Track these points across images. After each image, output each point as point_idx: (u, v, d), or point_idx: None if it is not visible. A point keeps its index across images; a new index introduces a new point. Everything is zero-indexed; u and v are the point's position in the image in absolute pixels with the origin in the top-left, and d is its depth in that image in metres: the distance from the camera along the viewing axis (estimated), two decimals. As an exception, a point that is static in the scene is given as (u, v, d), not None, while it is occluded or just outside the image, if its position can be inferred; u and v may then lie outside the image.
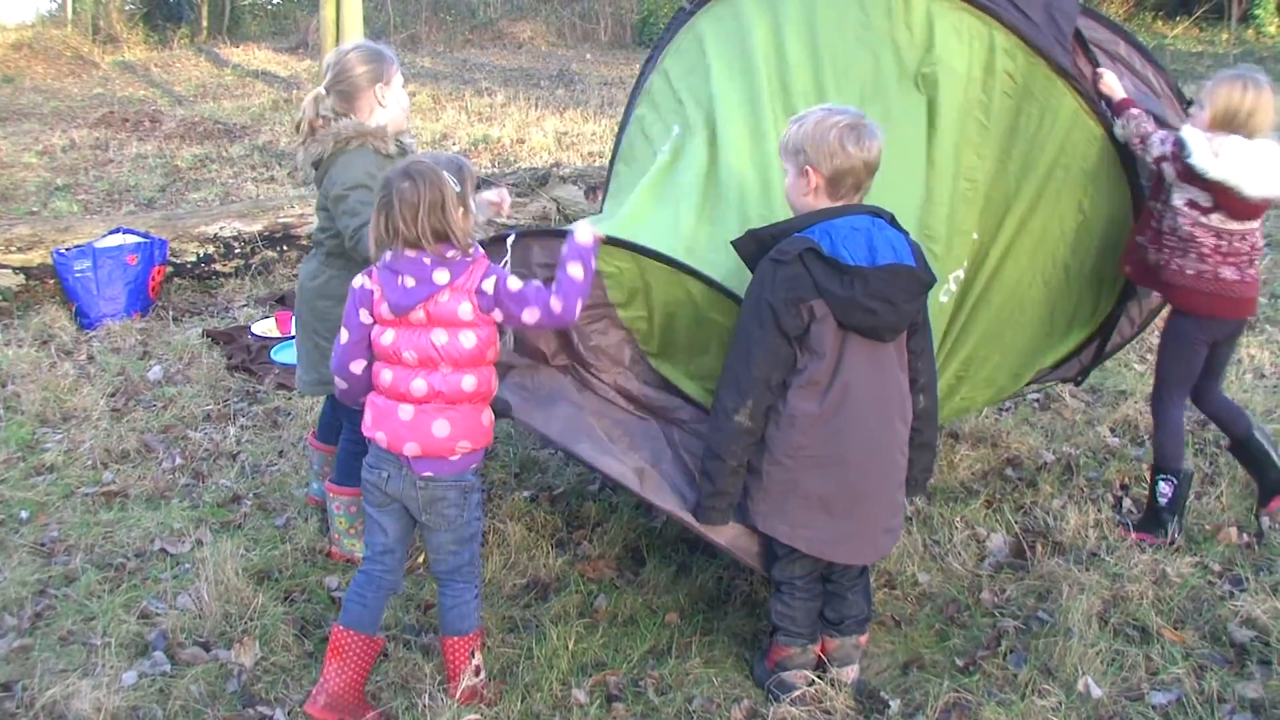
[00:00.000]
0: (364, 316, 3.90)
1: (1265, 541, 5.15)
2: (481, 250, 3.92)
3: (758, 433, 3.89)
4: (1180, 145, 4.92)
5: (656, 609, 4.79)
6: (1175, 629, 4.55)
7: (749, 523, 4.04)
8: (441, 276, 3.77)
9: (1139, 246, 5.23)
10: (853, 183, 3.86)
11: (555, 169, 11.30)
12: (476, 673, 4.14)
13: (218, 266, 9.78)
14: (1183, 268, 5.08)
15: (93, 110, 19.56)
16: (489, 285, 3.80)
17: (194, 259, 9.69)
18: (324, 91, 5.04)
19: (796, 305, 3.75)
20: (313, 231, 5.25)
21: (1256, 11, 27.56)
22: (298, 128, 5.06)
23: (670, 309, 4.38)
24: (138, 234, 9.13)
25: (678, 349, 4.47)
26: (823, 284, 3.72)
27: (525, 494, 5.72)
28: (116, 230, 9.16)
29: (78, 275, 8.57)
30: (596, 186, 10.75)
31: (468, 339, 3.83)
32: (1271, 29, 28.05)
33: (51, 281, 8.93)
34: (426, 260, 3.77)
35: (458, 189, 3.80)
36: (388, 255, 3.83)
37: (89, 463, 6.20)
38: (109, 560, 5.20)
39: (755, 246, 3.89)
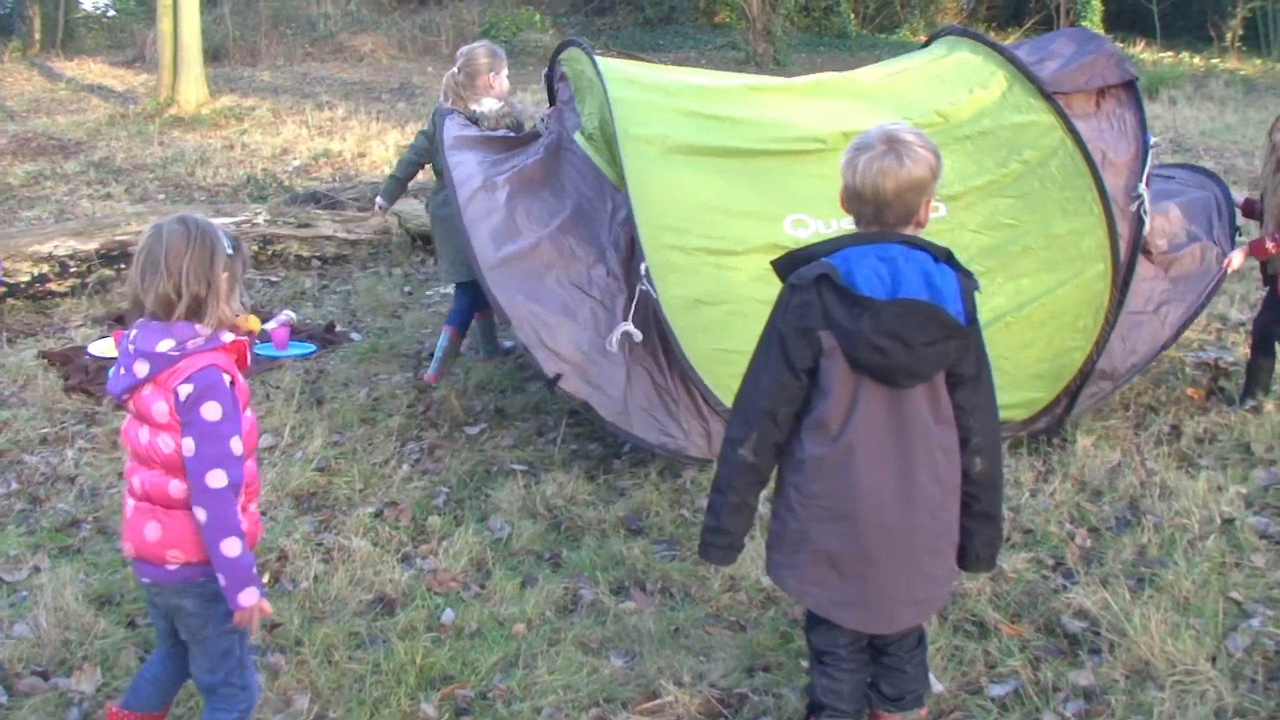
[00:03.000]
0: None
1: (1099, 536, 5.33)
2: (223, 342, 3.40)
3: (763, 470, 3.57)
4: None
5: (504, 620, 4.78)
6: (1012, 623, 4.67)
7: (771, 575, 3.74)
8: (141, 369, 3.33)
9: None
10: (857, 209, 3.49)
11: (396, 183, 11.24)
12: None
13: (53, 286, 9.54)
14: None
15: (-82, 127, 19.03)
16: (184, 390, 3.29)
17: (28, 279, 9.43)
18: (456, 71, 7.48)
19: (805, 335, 3.40)
20: None
21: (1083, 22, 28.37)
22: (445, 95, 7.48)
23: None
24: (-33, 254, 8.89)
25: None
26: (831, 314, 3.36)
27: (369, 509, 5.69)
28: (-55, 251, 8.92)
29: (-96, 298, 8.33)
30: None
31: (165, 443, 3.34)
32: (1098, 38, 28.83)
33: (-124, 305, 8.66)
34: (132, 349, 3.35)
35: (229, 252, 3.38)
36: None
37: (-81, 490, 6.04)
38: (-59, 590, 5.06)
39: (790, 268, 3.52)
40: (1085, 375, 6.25)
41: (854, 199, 3.47)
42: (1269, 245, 6.11)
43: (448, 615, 4.81)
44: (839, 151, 5.86)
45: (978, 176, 6.30)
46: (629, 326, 5.77)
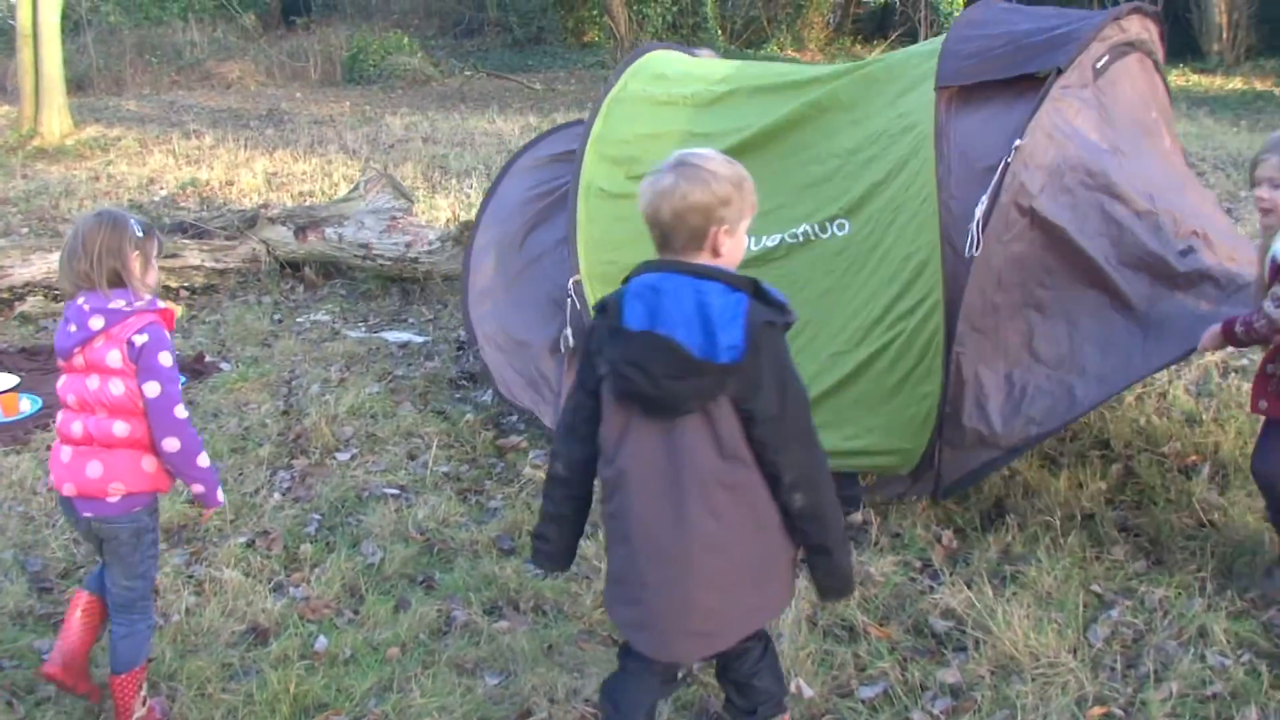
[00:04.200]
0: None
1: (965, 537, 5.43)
2: (159, 306, 4.09)
3: (574, 485, 3.58)
4: None
5: (378, 645, 4.78)
6: (881, 625, 4.76)
7: None
8: (96, 323, 3.95)
9: (1271, 377, 4.66)
10: (650, 232, 3.40)
11: (263, 210, 11.14)
12: (143, 703, 4.23)
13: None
14: None
15: None
16: (140, 339, 3.96)
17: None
18: None
19: (591, 358, 3.44)
20: None
21: (947, 33, 28.85)
22: None
23: None
24: None
25: None
26: (603, 340, 3.38)
27: (241, 539, 5.63)
28: None
29: None
30: (305, 227, 10.64)
31: (116, 386, 3.97)
32: (962, 49, 29.35)
33: None
34: (87, 307, 3.96)
35: (139, 235, 4.02)
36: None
37: None
38: None
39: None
40: (939, 430, 5.36)
41: (645, 223, 3.41)
42: (1238, 329, 4.58)
43: (321, 642, 4.79)
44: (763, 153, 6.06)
45: (869, 182, 5.88)
46: (568, 331, 6.37)
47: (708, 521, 3.33)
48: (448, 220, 12.10)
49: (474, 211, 12.33)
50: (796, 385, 3.36)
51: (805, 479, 3.37)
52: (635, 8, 31.28)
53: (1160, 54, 6.30)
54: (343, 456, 6.67)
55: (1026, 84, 5.51)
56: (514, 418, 7.10)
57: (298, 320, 9.66)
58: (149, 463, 4.07)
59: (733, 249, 3.38)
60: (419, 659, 4.67)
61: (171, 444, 3.98)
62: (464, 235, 9.73)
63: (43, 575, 5.34)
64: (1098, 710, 4.15)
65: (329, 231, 10.59)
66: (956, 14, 28.14)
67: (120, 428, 3.99)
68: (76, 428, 4.02)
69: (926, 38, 26.71)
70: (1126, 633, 4.61)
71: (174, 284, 10.37)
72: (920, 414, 5.36)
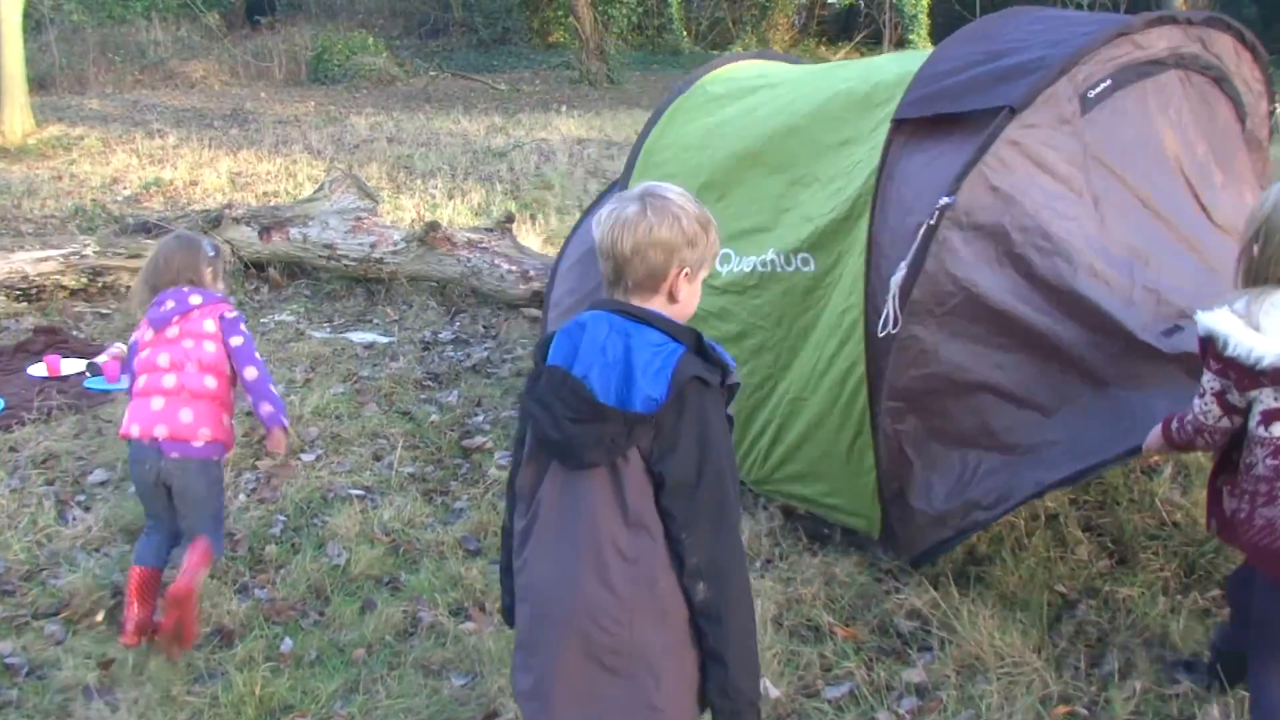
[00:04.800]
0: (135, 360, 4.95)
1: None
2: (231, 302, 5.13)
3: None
4: (1209, 342, 3.51)
5: (344, 646, 4.78)
6: (846, 626, 4.77)
7: None
8: (195, 299, 4.90)
9: (1218, 492, 3.83)
10: (601, 267, 3.08)
11: (227, 210, 11.08)
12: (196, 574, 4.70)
13: None
14: (1272, 521, 3.53)
15: None
16: (230, 314, 4.98)
17: None
18: None
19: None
20: None
21: (911, 37, 29.00)
22: None
23: None
24: None
25: None
26: (530, 379, 3.11)
27: (206, 541, 5.59)
28: None
29: None
30: (270, 227, 10.60)
31: (209, 346, 4.87)
32: (925, 51, 29.46)
33: None
34: (186, 288, 4.92)
35: (210, 255, 5.07)
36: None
37: None
38: None
39: None
40: (888, 502, 5.01)
41: (599, 256, 3.09)
42: (1174, 427, 3.87)
43: (286, 644, 4.79)
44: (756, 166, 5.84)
45: (832, 217, 5.30)
46: None
47: (599, 592, 2.96)
48: (412, 221, 12.09)
49: (438, 211, 12.47)
50: (721, 457, 2.97)
51: (712, 568, 2.95)
52: (600, 9, 31.35)
53: (1229, 70, 5.55)
54: (308, 457, 6.65)
55: (987, 119, 4.77)
56: (479, 418, 7.11)
57: (262, 321, 9.62)
58: (225, 419, 4.90)
59: (689, 297, 3.09)
60: (385, 660, 4.67)
61: (251, 372, 4.92)
62: (429, 236, 9.72)
63: (5, 578, 5.31)
64: (1062, 709, 4.18)
65: (294, 232, 10.56)
66: (920, 16, 28.51)
67: (210, 381, 4.84)
68: (169, 380, 4.80)
69: (891, 40, 26.80)
70: (1091, 632, 4.64)
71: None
72: (869, 485, 5.02)
